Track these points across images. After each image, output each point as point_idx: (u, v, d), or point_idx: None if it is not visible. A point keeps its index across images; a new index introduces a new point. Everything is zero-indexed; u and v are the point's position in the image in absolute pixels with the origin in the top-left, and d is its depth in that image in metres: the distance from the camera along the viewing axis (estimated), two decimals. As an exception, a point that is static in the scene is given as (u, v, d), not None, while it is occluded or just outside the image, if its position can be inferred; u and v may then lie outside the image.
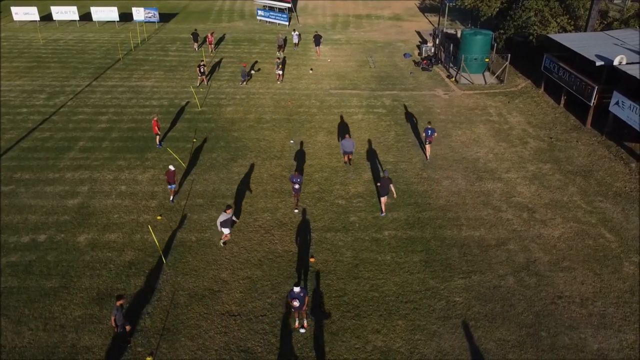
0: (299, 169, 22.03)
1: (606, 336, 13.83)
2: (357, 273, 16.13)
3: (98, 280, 15.71)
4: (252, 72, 34.37)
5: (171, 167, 19.10)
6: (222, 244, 17.28)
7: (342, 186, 20.85)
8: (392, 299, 15.11)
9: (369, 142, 24.58)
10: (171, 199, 19.69)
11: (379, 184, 19.23)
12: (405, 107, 28.84)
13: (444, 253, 17.01)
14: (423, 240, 17.60)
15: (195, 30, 40.33)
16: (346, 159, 22.38)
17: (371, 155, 23.35)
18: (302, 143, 24.52)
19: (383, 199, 18.80)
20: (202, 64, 31.52)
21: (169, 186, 19.40)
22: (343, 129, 25.83)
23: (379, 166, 22.34)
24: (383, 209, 19.00)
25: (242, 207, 19.42)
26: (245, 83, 32.24)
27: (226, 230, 16.76)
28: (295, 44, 40.94)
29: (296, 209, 19.21)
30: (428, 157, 22.95)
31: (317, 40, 38.57)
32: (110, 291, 15.30)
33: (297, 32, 41.33)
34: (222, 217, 16.44)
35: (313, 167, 22.34)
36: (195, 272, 16.13)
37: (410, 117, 27.59)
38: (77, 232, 17.95)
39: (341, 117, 27.39)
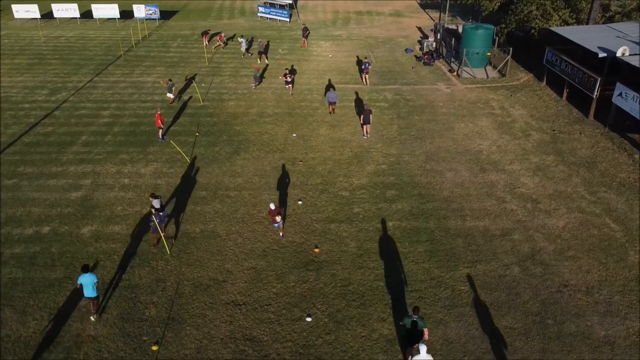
0: (303, 162, 22.00)
1: (612, 323, 13.79)
2: (361, 263, 16.10)
3: (102, 271, 15.68)
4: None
5: (272, 206, 16.58)
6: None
7: (345, 178, 20.81)
8: (397, 288, 15.07)
9: (372, 134, 24.54)
10: (281, 235, 17.35)
11: (362, 115, 23.63)
12: (407, 100, 28.85)
13: (449, 243, 16.97)
14: (427, 231, 17.56)
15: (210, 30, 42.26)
16: (330, 109, 26.65)
17: (375, 147, 23.31)
18: (304, 136, 24.50)
19: (367, 127, 23.72)
20: (287, 72, 29.64)
21: (275, 224, 17.06)
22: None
23: (381, 158, 22.30)
24: (365, 134, 24.04)
25: (246, 199, 19.39)
26: (256, 86, 30.70)
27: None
28: (246, 50, 37.12)
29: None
30: (365, 83, 31.08)
31: (304, 32, 39.86)
32: (114, 281, 15.29)
33: (244, 38, 37.37)
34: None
35: (316, 159, 22.30)
36: (200, 263, 16.11)
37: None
38: (80, 224, 17.93)
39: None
